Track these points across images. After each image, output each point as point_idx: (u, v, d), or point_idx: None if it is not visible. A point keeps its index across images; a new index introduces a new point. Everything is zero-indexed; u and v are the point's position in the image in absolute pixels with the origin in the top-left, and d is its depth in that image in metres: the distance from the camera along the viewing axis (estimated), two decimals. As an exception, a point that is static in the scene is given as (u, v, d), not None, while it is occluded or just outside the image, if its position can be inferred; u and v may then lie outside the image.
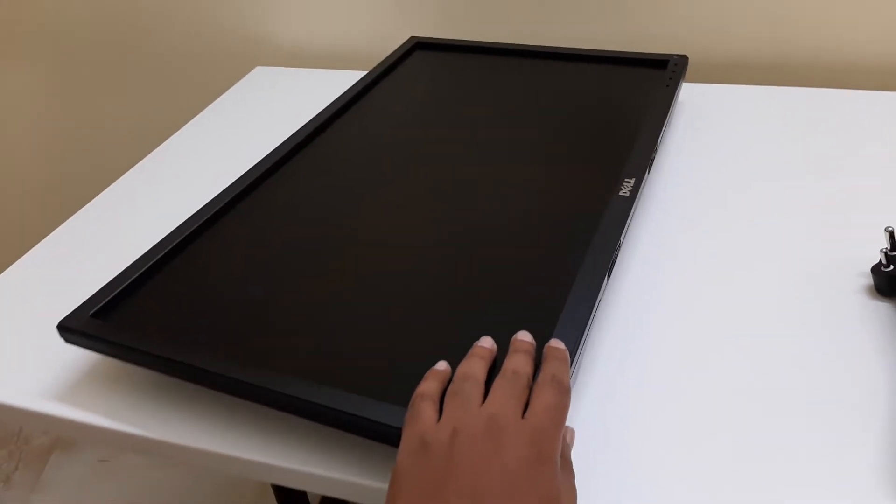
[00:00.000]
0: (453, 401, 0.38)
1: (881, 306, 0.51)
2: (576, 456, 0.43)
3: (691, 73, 0.86)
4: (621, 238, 0.52)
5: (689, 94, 0.80)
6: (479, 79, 0.80)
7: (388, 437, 0.41)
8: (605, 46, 0.87)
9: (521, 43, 0.87)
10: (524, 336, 0.43)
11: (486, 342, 0.43)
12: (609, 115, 0.70)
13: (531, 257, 0.53)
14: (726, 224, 0.60)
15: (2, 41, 1.10)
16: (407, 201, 0.61)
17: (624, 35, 0.87)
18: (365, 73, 0.85)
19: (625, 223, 0.53)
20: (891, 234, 0.52)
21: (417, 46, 0.89)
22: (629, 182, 0.58)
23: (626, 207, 0.55)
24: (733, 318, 0.52)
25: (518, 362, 0.40)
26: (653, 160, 0.62)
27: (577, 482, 0.40)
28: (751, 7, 0.82)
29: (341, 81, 0.85)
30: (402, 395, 0.41)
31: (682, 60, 0.77)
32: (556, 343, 0.42)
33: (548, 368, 0.40)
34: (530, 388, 0.38)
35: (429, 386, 0.40)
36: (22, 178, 1.27)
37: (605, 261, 0.50)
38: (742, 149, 0.70)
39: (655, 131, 0.64)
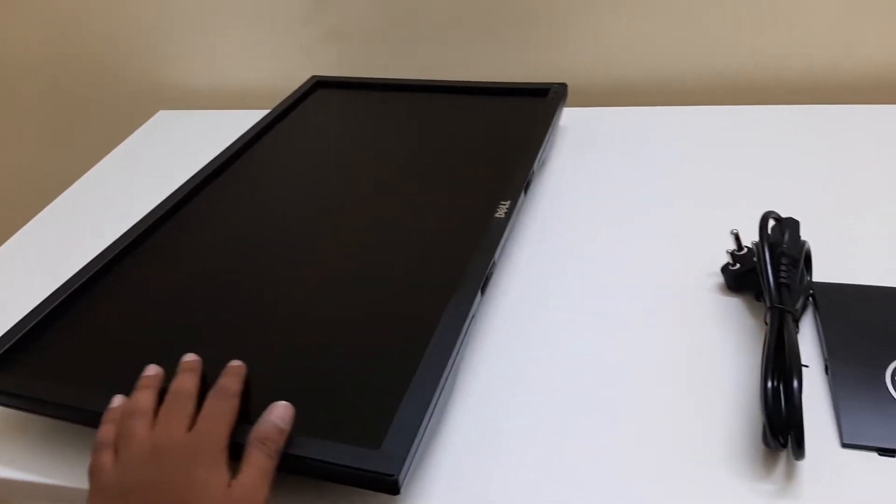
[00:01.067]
0: (119, 440, 0.43)
1: (732, 300, 0.57)
2: (457, 453, 0.46)
3: (580, 98, 0.92)
4: (495, 256, 0.57)
5: (574, 119, 0.86)
6: (374, 114, 0.84)
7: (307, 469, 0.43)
8: (506, 78, 0.93)
9: (418, 78, 0.92)
10: (188, 357, 0.48)
11: (151, 370, 0.48)
12: (494, 143, 0.75)
13: (414, 278, 0.57)
14: (600, 238, 0.66)
15: None
16: (299, 239, 0.64)
17: (522, 66, 0.93)
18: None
19: (499, 242, 0.58)
20: (736, 237, 0.58)
21: (318, 85, 0.93)
22: (504, 204, 0.62)
23: (500, 228, 0.59)
24: (604, 321, 0.56)
25: (182, 382, 0.46)
26: (529, 182, 0.67)
27: (455, 476, 0.44)
28: (628, 32, 0.88)
29: (245, 122, 0.87)
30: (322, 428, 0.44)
31: (562, 88, 0.83)
32: (233, 363, 0.47)
33: (217, 383, 0.45)
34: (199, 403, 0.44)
35: (103, 434, 0.45)
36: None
37: (478, 277, 0.54)
38: (619, 167, 0.76)
39: (532, 155, 0.69)
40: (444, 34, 0.93)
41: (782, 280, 0.51)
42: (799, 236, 0.55)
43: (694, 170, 0.74)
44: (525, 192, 0.66)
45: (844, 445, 0.45)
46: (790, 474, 0.44)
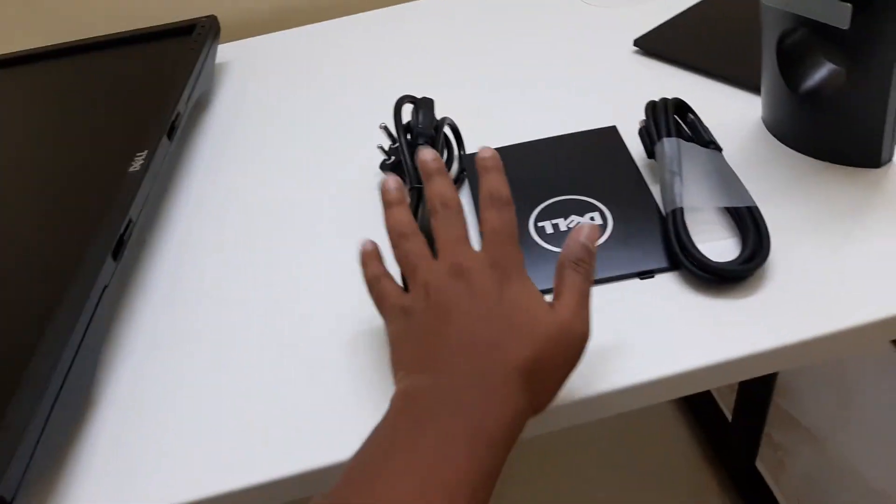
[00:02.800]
0: (407, 265, 0.38)
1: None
2: (105, 451, 0.41)
3: (234, 31, 0.86)
4: (131, 214, 0.51)
5: (238, 52, 0.80)
6: (24, 89, 0.73)
7: None
8: (155, 21, 0.84)
9: (50, 44, 0.80)
10: (426, 155, 0.41)
11: (391, 183, 0.41)
12: (134, 96, 0.67)
13: (32, 257, 0.49)
14: (271, 171, 0.62)
15: None
16: None
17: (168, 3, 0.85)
18: None
19: (134, 199, 0.52)
20: (384, 130, 0.56)
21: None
22: (140, 156, 0.56)
23: (135, 182, 0.53)
24: (278, 268, 0.53)
25: (437, 189, 0.39)
26: (174, 128, 0.61)
27: (101, 477, 0.38)
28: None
29: None
30: None
31: (210, 21, 0.76)
32: (482, 153, 0.40)
33: (483, 185, 0.39)
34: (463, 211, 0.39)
35: (372, 268, 0.41)
36: None
37: (108, 242, 0.48)
38: (284, 93, 0.72)
39: (173, 100, 0.63)
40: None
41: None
42: (433, 114, 0.55)
43: (357, 78, 0.72)
44: (171, 139, 0.60)
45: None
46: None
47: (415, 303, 0.37)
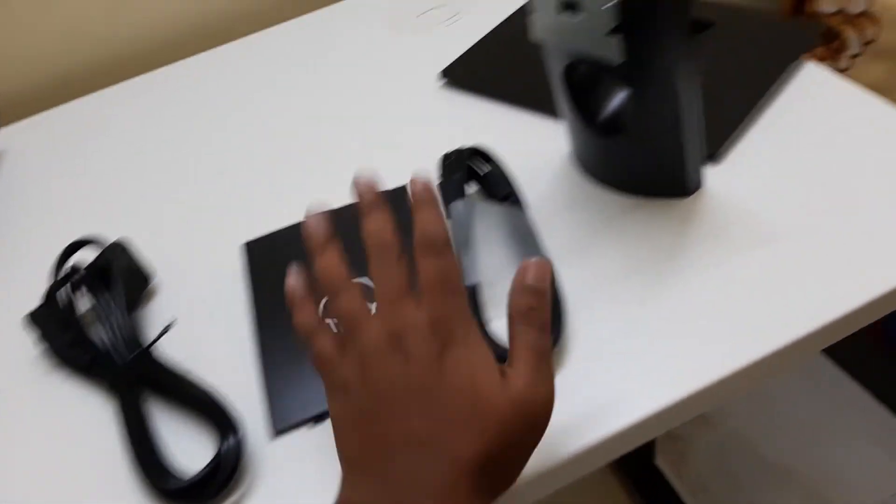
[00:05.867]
0: (342, 325, 0.32)
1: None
2: None
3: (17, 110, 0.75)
4: None
5: (9, 138, 0.70)
6: None
7: None
8: None
9: None
10: (361, 178, 0.34)
11: (312, 225, 0.34)
12: None
13: None
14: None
15: None
16: None
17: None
18: None
19: None
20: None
21: None
22: None
23: None
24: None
25: (374, 226, 0.33)
26: None
27: None
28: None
29: None
30: None
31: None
32: (414, 183, 0.33)
33: (416, 225, 0.32)
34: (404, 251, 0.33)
35: (303, 316, 0.34)
36: None
37: None
38: (67, 180, 0.62)
39: None
40: None
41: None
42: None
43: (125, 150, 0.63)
44: None
45: (278, 433, 0.39)
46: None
47: (352, 375, 0.32)
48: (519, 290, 0.32)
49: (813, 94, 0.52)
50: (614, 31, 0.38)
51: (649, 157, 0.44)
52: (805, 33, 0.57)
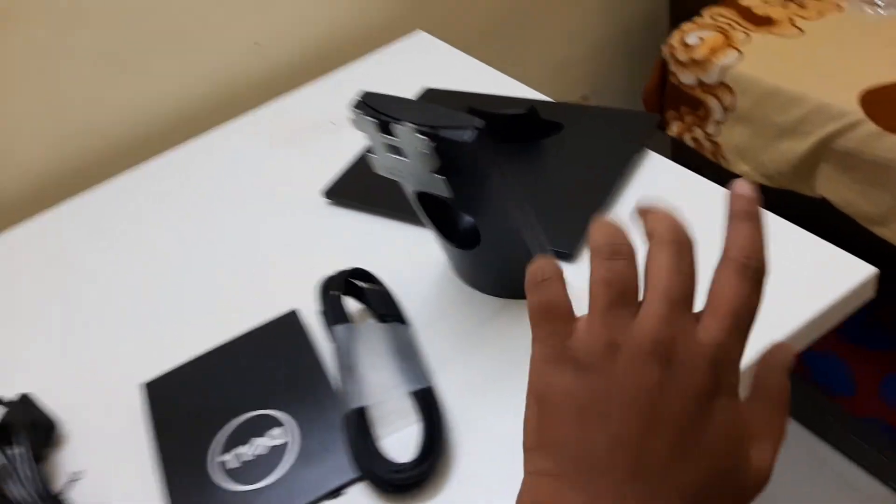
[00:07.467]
0: (607, 293, 0.27)
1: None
2: None
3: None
4: None
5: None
6: None
7: None
8: None
9: None
10: (652, 208, 0.29)
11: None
12: None
13: None
14: None
15: None
16: None
17: None
18: None
19: None
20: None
21: None
22: None
23: None
24: None
25: (674, 223, 0.28)
26: None
27: None
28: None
29: None
30: None
31: None
32: (738, 188, 0.28)
33: (730, 238, 0.28)
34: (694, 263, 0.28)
35: (548, 268, 0.29)
36: None
37: None
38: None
39: None
40: None
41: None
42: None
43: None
44: None
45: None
46: None
47: (591, 357, 0.27)
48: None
49: (655, 180, 0.58)
50: (438, 171, 0.43)
51: (503, 263, 0.49)
52: (645, 122, 0.64)
